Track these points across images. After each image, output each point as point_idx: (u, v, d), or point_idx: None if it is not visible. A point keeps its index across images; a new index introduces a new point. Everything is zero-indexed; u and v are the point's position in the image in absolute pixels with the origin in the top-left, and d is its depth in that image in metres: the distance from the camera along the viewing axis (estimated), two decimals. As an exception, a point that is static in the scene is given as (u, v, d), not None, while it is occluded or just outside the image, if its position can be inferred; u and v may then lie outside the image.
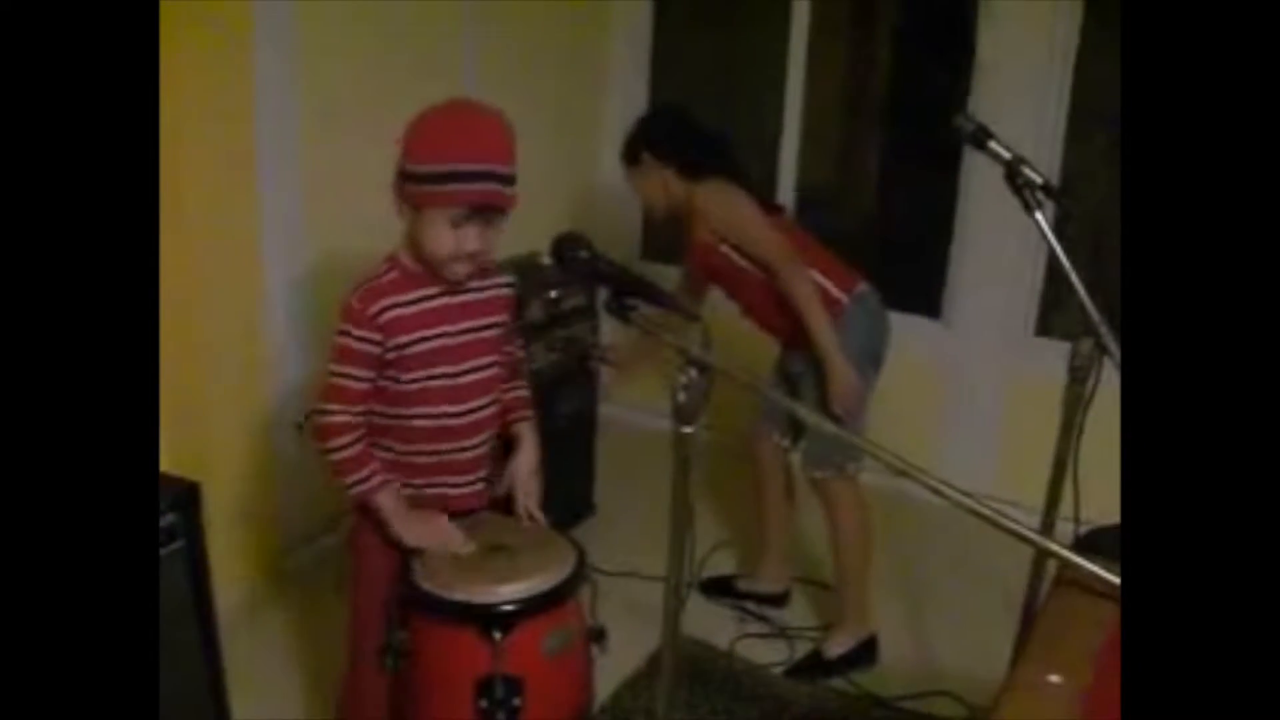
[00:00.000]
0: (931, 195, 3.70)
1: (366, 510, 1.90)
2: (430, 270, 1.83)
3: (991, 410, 3.67)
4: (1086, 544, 1.57)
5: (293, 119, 2.83)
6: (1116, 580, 1.25)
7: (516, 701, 1.71)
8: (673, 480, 1.62)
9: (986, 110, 3.37)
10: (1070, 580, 1.42)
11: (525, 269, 3.21)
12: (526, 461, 2.04)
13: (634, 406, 3.96)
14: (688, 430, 1.57)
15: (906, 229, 3.99)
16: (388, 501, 1.86)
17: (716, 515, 3.52)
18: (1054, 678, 1.22)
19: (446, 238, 1.76)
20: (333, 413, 1.83)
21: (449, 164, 1.72)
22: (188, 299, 2.64)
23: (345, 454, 1.84)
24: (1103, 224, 3.91)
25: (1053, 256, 1.86)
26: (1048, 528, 2.03)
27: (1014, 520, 1.26)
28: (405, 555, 1.86)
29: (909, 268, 3.77)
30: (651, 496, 3.51)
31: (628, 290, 1.64)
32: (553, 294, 3.18)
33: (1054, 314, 3.59)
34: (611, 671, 2.55)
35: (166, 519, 1.98)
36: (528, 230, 3.15)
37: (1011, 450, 3.55)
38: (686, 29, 4.19)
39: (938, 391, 3.70)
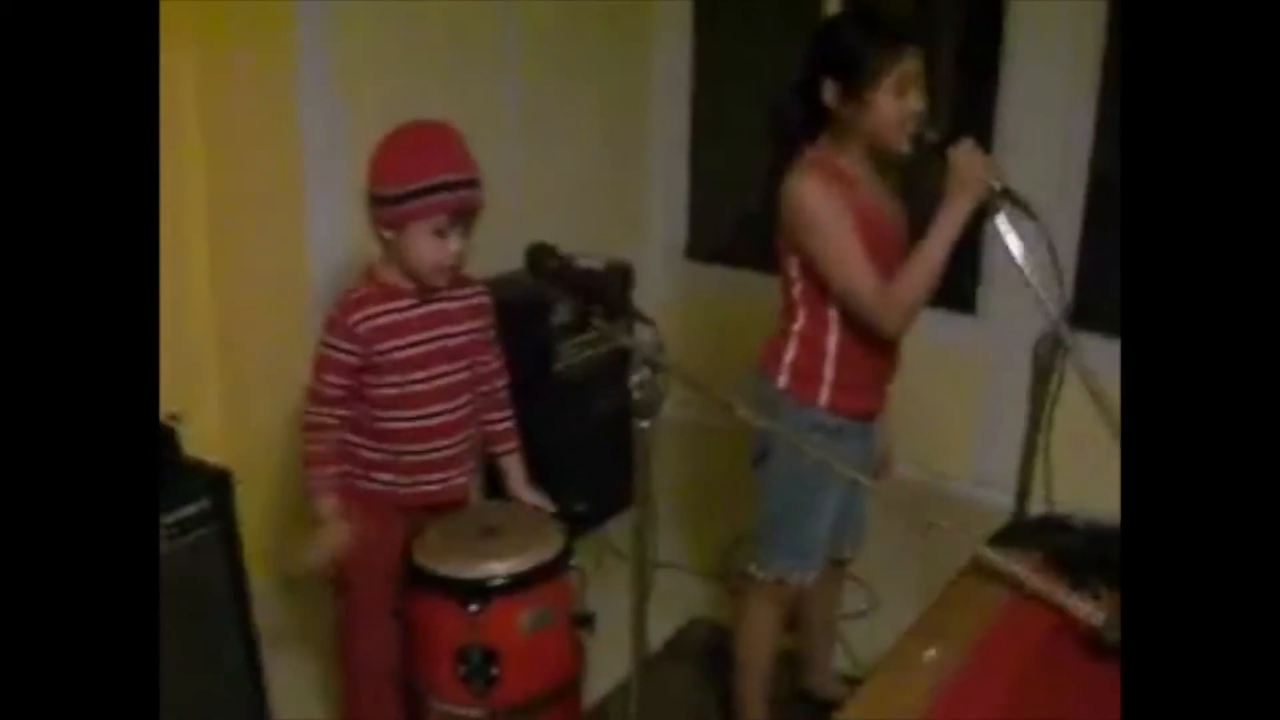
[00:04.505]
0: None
1: (355, 491, 2.10)
2: (411, 281, 2.00)
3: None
4: (1006, 534, 1.65)
5: (338, 131, 2.92)
6: (1015, 569, 1.35)
7: (494, 671, 1.87)
8: (636, 473, 1.75)
9: (1014, 115, 3.43)
10: (980, 567, 1.51)
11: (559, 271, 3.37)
12: (521, 490, 2.26)
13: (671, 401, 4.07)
14: (643, 425, 1.71)
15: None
16: (322, 507, 2.07)
17: (741, 505, 3.61)
18: (930, 653, 1.32)
19: (432, 248, 1.94)
20: (311, 413, 2.05)
21: (426, 179, 1.90)
22: (234, 300, 2.84)
23: (314, 449, 2.06)
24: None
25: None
26: (1020, 514, 2.10)
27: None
28: (408, 532, 2.05)
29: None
30: (687, 487, 3.66)
31: (592, 297, 1.79)
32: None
33: (1093, 307, 3.58)
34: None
35: (200, 504, 2.19)
36: (570, 228, 3.30)
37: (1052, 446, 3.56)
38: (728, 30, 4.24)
39: (973, 390, 3.73)
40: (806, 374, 2.20)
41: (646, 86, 4.26)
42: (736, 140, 4.33)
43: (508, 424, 2.28)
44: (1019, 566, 1.41)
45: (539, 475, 2.37)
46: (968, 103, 3.68)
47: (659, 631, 2.82)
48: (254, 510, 2.49)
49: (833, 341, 2.18)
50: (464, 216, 1.95)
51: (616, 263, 3.39)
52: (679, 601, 3.08)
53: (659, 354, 1.69)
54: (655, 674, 2.75)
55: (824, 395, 2.20)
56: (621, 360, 3.45)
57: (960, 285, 3.73)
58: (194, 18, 2.81)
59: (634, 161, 4.25)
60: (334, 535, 2.07)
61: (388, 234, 1.96)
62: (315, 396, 2.05)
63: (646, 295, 3.75)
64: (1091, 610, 1.41)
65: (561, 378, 3.28)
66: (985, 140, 3.42)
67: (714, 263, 4.27)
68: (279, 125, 2.87)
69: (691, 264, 4.35)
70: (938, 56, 3.70)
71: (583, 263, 3.38)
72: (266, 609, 2.54)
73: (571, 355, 3.31)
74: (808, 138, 2.17)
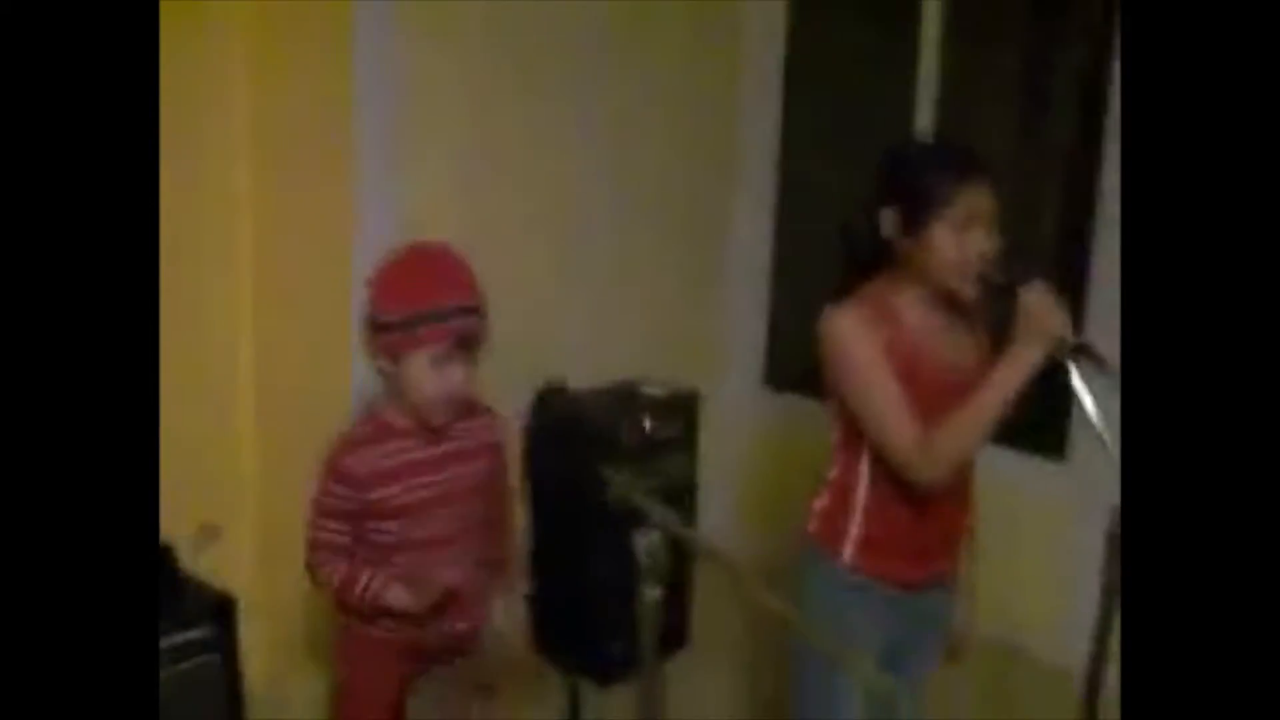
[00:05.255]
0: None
1: (352, 637, 1.95)
2: (414, 419, 1.86)
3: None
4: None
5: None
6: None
7: None
8: (642, 641, 1.59)
9: (1110, 262, 3.19)
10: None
11: (622, 395, 3.23)
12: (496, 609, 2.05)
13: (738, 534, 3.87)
14: (651, 593, 1.55)
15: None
16: (399, 595, 1.86)
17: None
18: None
19: (431, 380, 1.80)
20: (320, 563, 1.89)
21: (423, 305, 1.77)
22: (277, 413, 2.76)
23: (338, 578, 1.89)
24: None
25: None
26: (1093, 686, 1.90)
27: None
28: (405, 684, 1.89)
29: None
30: (748, 629, 3.43)
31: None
32: (647, 423, 3.17)
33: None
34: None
35: (201, 630, 2.09)
36: (643, 348, 3.15)
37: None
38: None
39: (1056, 542, 3.41)
40: (832, 525, 2.01)
41: (729, 195, 4.03)
42: (820, 262, 4.15)
43: (502, 552, 2.11)
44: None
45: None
46: (1067, 245, 3.43)
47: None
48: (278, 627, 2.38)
49: (862, 494, 1.98)
50: (465, 345, 1.81)
51: (682, 391, 3.24)
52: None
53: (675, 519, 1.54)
54: None
55: (848, 552, 1.98)
56: (679, 497, 3.31)
57: (1049, 429, 3.46)
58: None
59: (712, 281, 4.06)
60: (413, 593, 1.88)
61: (385, 364, 1.83)
62: (315, 544, 1.90)
63: (718, 423, 3.58)
64: None
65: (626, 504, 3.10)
66: (1080, 290, 3.19)
67: (793, 391, 4.06)
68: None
69: (769, 392, 4.16)
70: (1039, 196, 3.50)
71: (648, 390, 3.28)
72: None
73: (634, 484, 3.13)
74: (870, 272, 2.01)
